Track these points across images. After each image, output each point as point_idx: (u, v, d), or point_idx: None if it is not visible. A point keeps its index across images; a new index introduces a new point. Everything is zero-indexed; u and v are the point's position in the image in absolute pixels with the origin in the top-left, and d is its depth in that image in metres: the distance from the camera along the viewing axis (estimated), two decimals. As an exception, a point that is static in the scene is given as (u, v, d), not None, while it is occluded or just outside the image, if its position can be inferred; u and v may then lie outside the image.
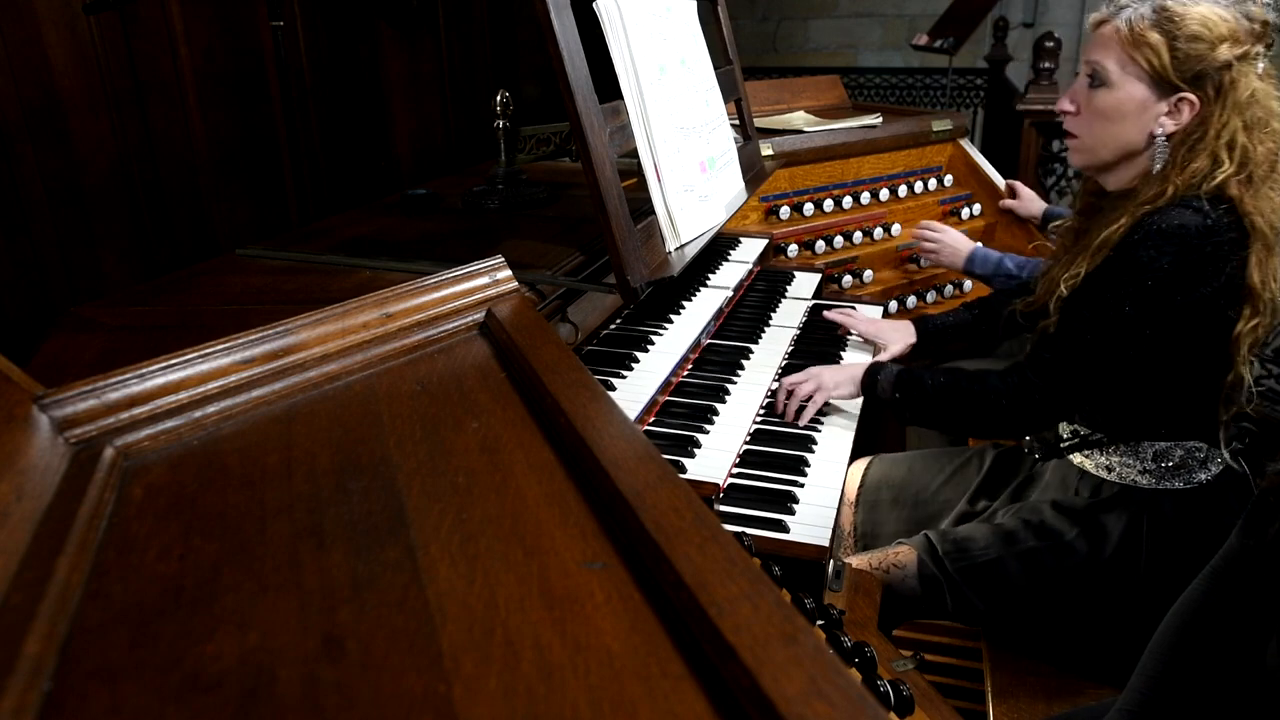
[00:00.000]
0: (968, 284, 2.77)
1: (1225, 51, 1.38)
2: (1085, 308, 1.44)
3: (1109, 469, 1.56)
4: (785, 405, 1.64)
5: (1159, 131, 1.44)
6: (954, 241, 2.34)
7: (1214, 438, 1.50)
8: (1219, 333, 1.41)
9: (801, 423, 1.61)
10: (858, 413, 1.66)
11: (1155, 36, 1.40)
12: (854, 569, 1.40)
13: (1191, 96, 1.41)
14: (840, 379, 1.66)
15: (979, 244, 2.30)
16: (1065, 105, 1.55)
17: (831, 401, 1.68)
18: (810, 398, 1.63)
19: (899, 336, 1.93)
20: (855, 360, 1.89)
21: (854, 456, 1.55)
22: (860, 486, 1.85)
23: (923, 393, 1.57)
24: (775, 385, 1.74)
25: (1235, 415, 1.49)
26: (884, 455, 1.91)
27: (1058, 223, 1.77)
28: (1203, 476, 1.49)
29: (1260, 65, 1.41)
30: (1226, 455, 1.52)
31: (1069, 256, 1.56)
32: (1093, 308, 1.43)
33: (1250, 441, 1.53)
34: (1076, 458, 1.60)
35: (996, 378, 1.52)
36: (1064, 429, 1.62)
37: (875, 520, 1.82)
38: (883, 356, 1.90)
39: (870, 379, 1.63)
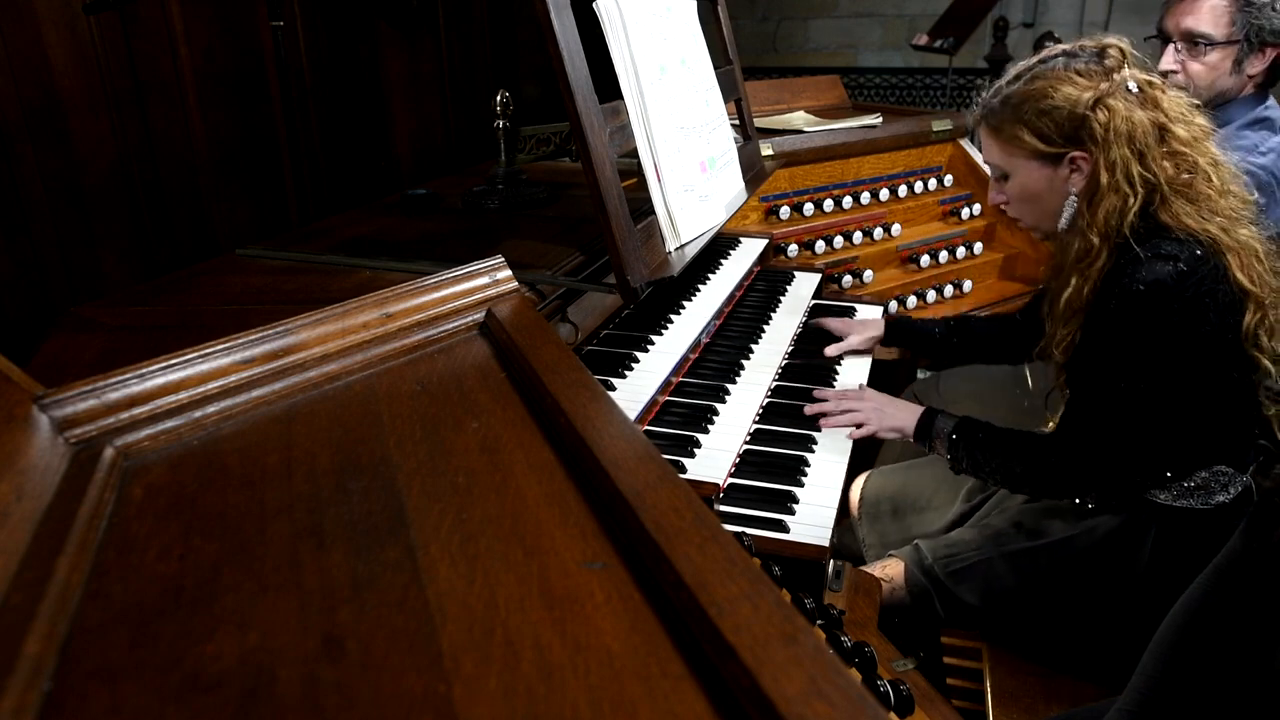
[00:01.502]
0: (968, 284, 2.77)
1: (1083, 102, 1.39)
2: (1097, 385, 1.42)
3: None
4: (828, 411, 1.62)
5: (1073, 189, 1.45)
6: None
7: (1240, 461, 1.47)
8: (1235, 350, 1.39)
9: (829, 425, 1.60)
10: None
11: (1014, 126, 1.45)
12: (854, 569, 1.40)
13: (1077, 153, 1.42)
14: (890, 425, 1.62)
15: None
16: (995, 200, 1.59)
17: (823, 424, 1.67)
18: (857, 423, 1.61)
19: (863, 329, 1.94)
20: (854, 365, 1.89)
21: (851, 471, 1.53)
22: (860, 502, 1.86)
23: (976, 457, 1.54)
24: (776, 385, 1.74)
25: (1256, 436, 1.48)
26: (879, 469, 1.91)
27: (1046, 267, 1.76)
28: (1222, 498, 1.46)
29: (1133, 85, 1.40)
30: (1250, 480, 1.49)
31: (1051, 311, 1.54)
32: (1106, 385, 1.40)
33: (1264, 460, 1.52)
34: None
35: (1045, 447, 1.49)
36: None
37: (881, 532, 1.82)
38: (844, 347, 1.92)
39: (924, 431, 1.61)
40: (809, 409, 1.64)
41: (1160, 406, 1.38)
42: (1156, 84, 1.43)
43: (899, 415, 1.64)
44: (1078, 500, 1.57)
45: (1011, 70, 1.51)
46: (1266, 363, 1.41)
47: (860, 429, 1.61)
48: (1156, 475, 1.47)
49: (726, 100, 1.96)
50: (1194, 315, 1.33)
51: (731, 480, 1.41)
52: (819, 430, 1.58)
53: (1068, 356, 1.48)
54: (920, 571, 1.56)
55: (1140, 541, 1.47)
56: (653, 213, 1.55)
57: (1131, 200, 1.37)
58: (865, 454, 1.54)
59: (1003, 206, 1.59)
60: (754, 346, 1.84)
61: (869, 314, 2.18)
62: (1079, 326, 1.45)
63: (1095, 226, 1.40)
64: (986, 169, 2.94)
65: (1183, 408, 1.40)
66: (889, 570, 1.58)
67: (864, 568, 1.57)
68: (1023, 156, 1.48)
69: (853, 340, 1.93)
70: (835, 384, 1.78)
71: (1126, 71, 1.41)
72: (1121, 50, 1.43)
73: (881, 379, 1.74)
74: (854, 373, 1.87)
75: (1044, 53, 1.50)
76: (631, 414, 1.42)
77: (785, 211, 2.59)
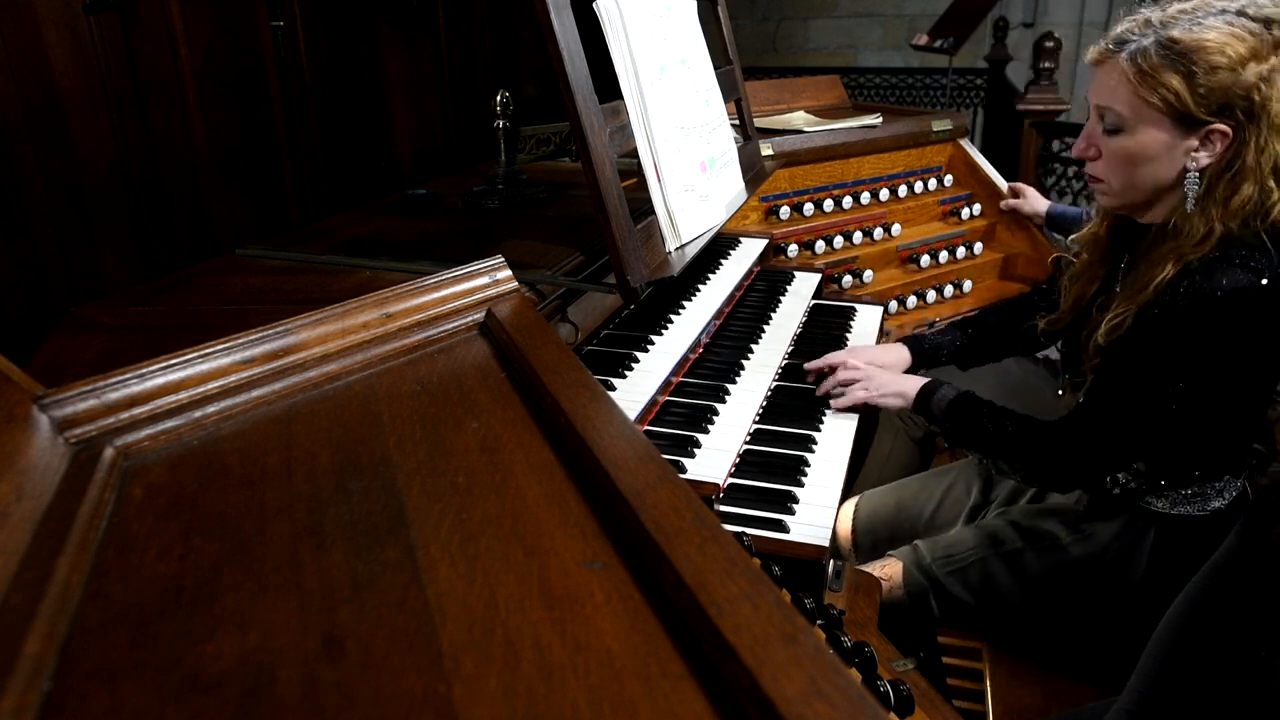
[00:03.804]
0: (968, 284, 2.77)
1: (1251, 73, 1.24)
2: (1137, 374, 1.34)
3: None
4: (826, 379, 1.65)
5: (1192, 166, 1.31)
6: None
7: (1237, 468, 1.45)
8: (1274, 375, 1.35)
9: (834, 406, 1.62)
10: (857, 414, 1.66)
11: (1170, 75, 1.27)
12: (854, 569, 1.40)
13: (1222, 127, 1.27)
14: (890, 391, 1.61)
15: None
16: (1084, 151, 1.43)
17: (832, 402, 1.67)
18: (849, 384, 1.62)
19: (892, 360, 1.79)
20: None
21: (851, 471, 1.52)
22: (853, 530, 1.82)
23: (974, 431, 1.52)
24: (776, 385, 1.74)
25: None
26: (867, 493, 1.87)
27: (1075, 235, 1.67)
28: (1218, 504, 1.45)
29: None
30: (1244, 484, 1.48)
31: (1099, 281, 1.50)
32: (1146, 377, 1.33)
33: (1258, 461, 1.51)
34: None
35: (1050, 433, 1.45)
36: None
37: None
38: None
39: (924, 400, 1.59)
40: (821, 390, 1.67)
41: (1189, 413, 1.32)
42: None
43: (894, 389, 1.62)
44: (1078, 500, 1.56)
45: (1165, 7, 1.33)
46: None
47: (850, 396, 1.61)
48: (1157, 480, 1.46)
49: (726, 100, 1.96)
50: (1261, 334, 1.26)
51: (731, 480, 1.41)
52: (819, 430, 1.58)
53: (1110, 339, 1.38)
54: (918, 571, 1.56)
55: (1138, 547, 1.47)
56: (653, 213, 1.55)
57: (1276, 195, 1.26)
58: (850, 472, 1.53)
59: (1088, 159, 1.43)
60: (754, 346, 1.84)
61: (874, 315, 2.17)
62: (1136, 312, 1.34)
63: (1228, 212, 1.28)
64: (989, 169, 2.97)
65: (1207, 419, 1.35)
66: (887, 570, 1.58)
67: (863, 567, 1.57)
68: (1158, 111, 1.29)
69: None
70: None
71: None
72: None
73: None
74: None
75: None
76: (631, 414, 1.42)
77: (785, 211, 2.59)
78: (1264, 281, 1.24)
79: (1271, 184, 1.27)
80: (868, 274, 2.59)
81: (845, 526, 1.82)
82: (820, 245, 2.57)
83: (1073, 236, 1.73)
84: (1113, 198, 1.44)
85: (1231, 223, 1.28)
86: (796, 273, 2.32)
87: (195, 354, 0.85)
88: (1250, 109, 1.26)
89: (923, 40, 5.02)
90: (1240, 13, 1.28)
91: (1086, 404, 1.44)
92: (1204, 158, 1.31)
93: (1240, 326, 1.25)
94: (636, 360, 1.58)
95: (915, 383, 1.63)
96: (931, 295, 2.70)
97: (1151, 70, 1.28)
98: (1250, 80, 1.25)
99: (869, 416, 1.71)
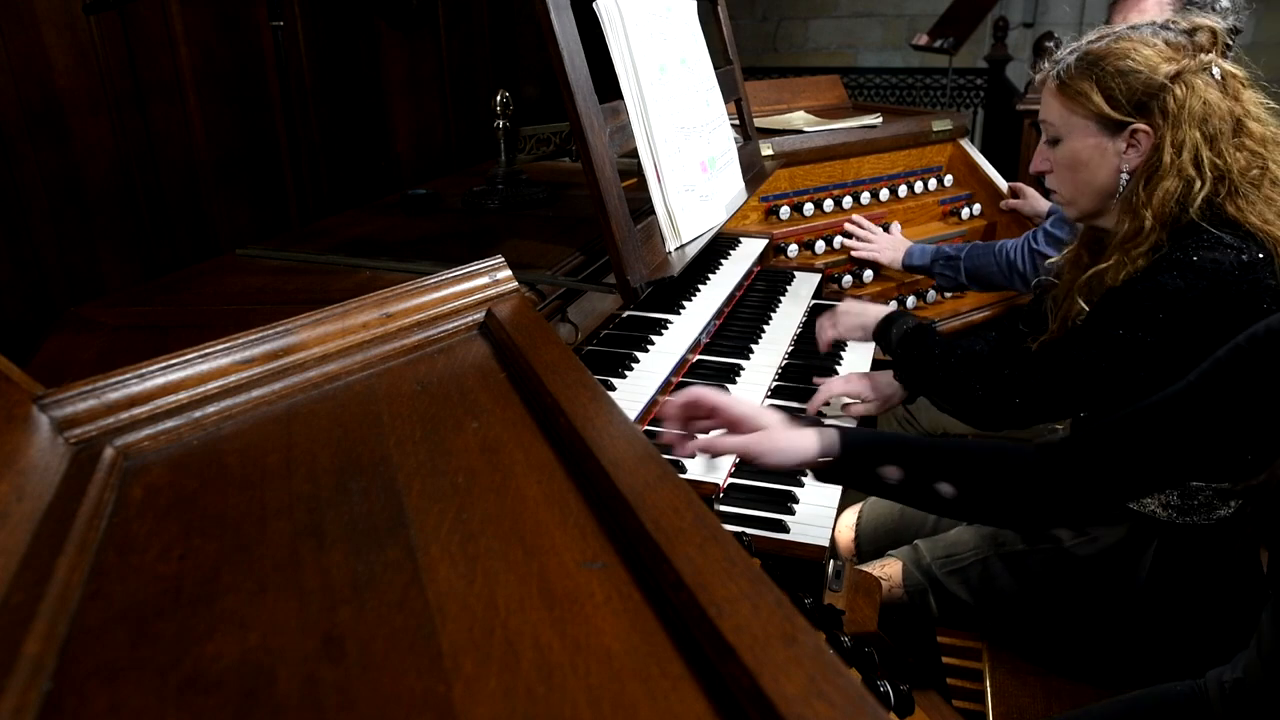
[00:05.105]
0: (968, 284, 2.76)
1: (1163, 71, 1.33)
2: (1095, 324, 1.37)
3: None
4: (818, 393, 1.66)
5: (1125, 168, 1.40)
6: (891, 241, 2.51)
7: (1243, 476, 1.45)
8: None
9: (811, 407, 1.64)
10: (856, 419, 1.66)
11: (1083, 82, 1.38)
12: (854, 569, 1.40)
13: (1142, 126, 1.36)
14: (856, 325, 1.73)
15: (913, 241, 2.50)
16: (1038, 166, 1.52)
17: (832, 404, 1.67)
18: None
19: (886, 382, 1.74)
20: (855, 361, 1.88)
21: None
22: (856, 539, 1.81)
23: (922, 361, 1.57)
24: (776, 385, 1.74)
25: None
26: (870, 499, 1.86)
27: (1053, 260, 1.70)
28: (1223, 512, 1.44)
29: (1216, 72, 1.34)
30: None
31: (1072, 289, 1.50)
32: (1102, 325, 1.35)
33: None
34: None
35: (989, 367, 1.48)
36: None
37: None
38: (870, 410, 1.69)
39: (884, 330, 1.67)
40: (810, 409, 1.64)
41: (1146, 372, 1.32)
42: (1240, 77, 1.37)
43: (868, 311, 1.71)
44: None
45: (1095, 31, 1.44)
46: None
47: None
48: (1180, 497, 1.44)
49: (726, 100, 1.96)
50: (1239, 309, 1.27)
51: (731, 480, 1.41)
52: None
53: (1064, 329, 1.42)
54: (918, 570, 1.57)
55: (1140, 555, 1.46)
56: (653, 213, 1.55)
57: (1198, 186, 1.32)
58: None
59: (1043, 173, 1.52)
60: (754, 346, 1.84)
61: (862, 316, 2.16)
62: (1093, 300, 1.39)
63: (1149, 207, 1.34)
64: (989, 169, 2.97)
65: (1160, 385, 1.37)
66: (887, 570, 1.58)
67: (863, 566, 1.58)
68: (1081, 117, 1.40)
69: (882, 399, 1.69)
70: (835, 384, 1.77)
71: (1213, 56, 1.35)
72: (1214, 33, 1.36)
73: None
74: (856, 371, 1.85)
75: (1133, 21, 1.44)
76: (631, 414, 1.42)
77: (785, 211, 2.59)
78: (1244, 258, 1.28)
79: (1192, 173, 1.32)
80: (868, 274, 2.59)
81: (848, 535, 1.81)
82: (820, 245, 2.57)
83: (1050, 260, 1.76)
84: (1070, 207, 1.52)
85: (1158, 211, 1.34)
86: (796, 273, 2.32)
87: (195, 354, 0.85)
88: (1164, 108, 1.34)
89: (923, 40, 5.02)
90: (1164, 26, 1.38)
91: (1041, 350, 1.47)
92: (1133, 158, 1.39)
93: (1212, 292, 1.27)
94: (636, 360, 1.58)
95: (878, 312, 1.69)
96: (931, 295, 2.70)
97: (1070, 80, 1.41)
98: (1161, 80, 1.33)
99: (869, 417, 1.70)
